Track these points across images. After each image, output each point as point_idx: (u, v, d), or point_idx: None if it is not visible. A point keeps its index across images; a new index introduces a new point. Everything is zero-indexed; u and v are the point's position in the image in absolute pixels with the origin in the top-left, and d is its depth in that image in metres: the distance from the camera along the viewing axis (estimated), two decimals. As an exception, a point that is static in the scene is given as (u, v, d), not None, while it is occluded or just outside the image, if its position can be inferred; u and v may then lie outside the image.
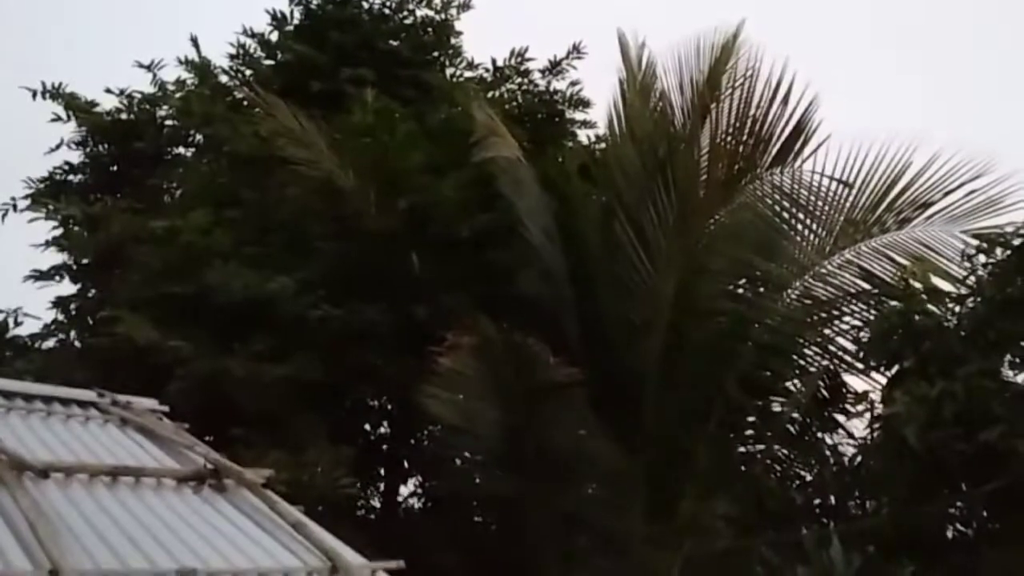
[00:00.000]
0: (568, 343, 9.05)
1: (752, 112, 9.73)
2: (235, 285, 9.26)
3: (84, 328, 10.96)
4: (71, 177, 11.58)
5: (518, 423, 8.62)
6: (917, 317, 8.41)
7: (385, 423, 11.23)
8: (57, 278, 11.27)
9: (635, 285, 9.43)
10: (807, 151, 9.59)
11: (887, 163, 9.47)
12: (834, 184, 9.49)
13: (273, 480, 6.08)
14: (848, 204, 9.57)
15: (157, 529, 5.25)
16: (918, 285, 8.99)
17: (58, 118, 11.36)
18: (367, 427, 11.13)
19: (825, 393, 9.50)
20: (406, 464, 11.11)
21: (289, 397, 9.17)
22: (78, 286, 11.33)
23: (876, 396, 8.87)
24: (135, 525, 5.26)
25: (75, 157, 11.61)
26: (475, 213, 10.14)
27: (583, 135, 11.89)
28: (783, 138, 9.63)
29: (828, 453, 9.30)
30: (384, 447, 11.17)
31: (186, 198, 10.84)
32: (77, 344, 11.03)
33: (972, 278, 8.60)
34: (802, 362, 9.62)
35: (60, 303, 11.30)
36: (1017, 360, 8.26)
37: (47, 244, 10.96)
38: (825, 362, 9.51)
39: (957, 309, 8.63)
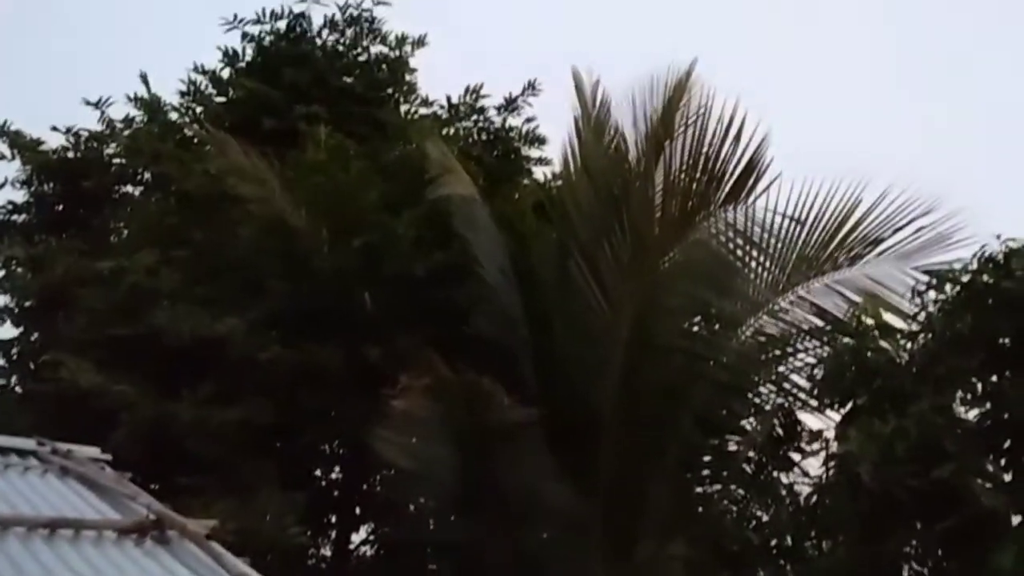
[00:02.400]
0: (524, 383, 8.97)
1: (705, 149, 9.79)
2: (183, 327, 9.08)
3: (26, 373, 10.70)
4: (15, 217, 11.35)
5: (473, 466, 8.51)
6: (869, 354, 8.45)
7: (337, 468, 11.04)
8: (-2, 322, 11.02)
9: (590, 324, 9.39)
10: (759, 188, 9.67)
11: (838, 200, 9.55)
12: (786, 221, 9.56)
13: (219, 530, 5.91)
14: (800, 241, 9.63)
15: (96, 585, 5.07)
16: (870, 322, 9.05)
17: (2, 156, 11.15)
18: (318, 472, 10.94)
19: (780, 431, 9.51)
20: (358, 510, 10.89)
21: (238, 442, 8.98)
22: (20, 329, 11.07)
23: (831, 434, 8.90)
24: (73, 581, 5.08)
25: (19, 196, 11.41)
26: (430, 252, 10.06)
27: (539, 172, 11.91)
28: (736, 175, 9.68)
29: (784, 492, 9.28)
30: (336, 492, 10.97)
31: (133, 238, 10.64)
32: (18, 390, 10.77)
33: (923, 314, 8.67)
34: (757, 400, 9.63)
35: (1, 347, 11.02)
36: (968, 396, 8.34)
37: (-12, 286, 10.75)
38: (780, 400, 9.53)
39: (908, 345, 8.70)
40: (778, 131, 9.82)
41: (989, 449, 8.05)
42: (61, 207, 11.40)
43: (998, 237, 8.09)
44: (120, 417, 8.87)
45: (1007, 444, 8.13)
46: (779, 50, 17.91)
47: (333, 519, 10.82)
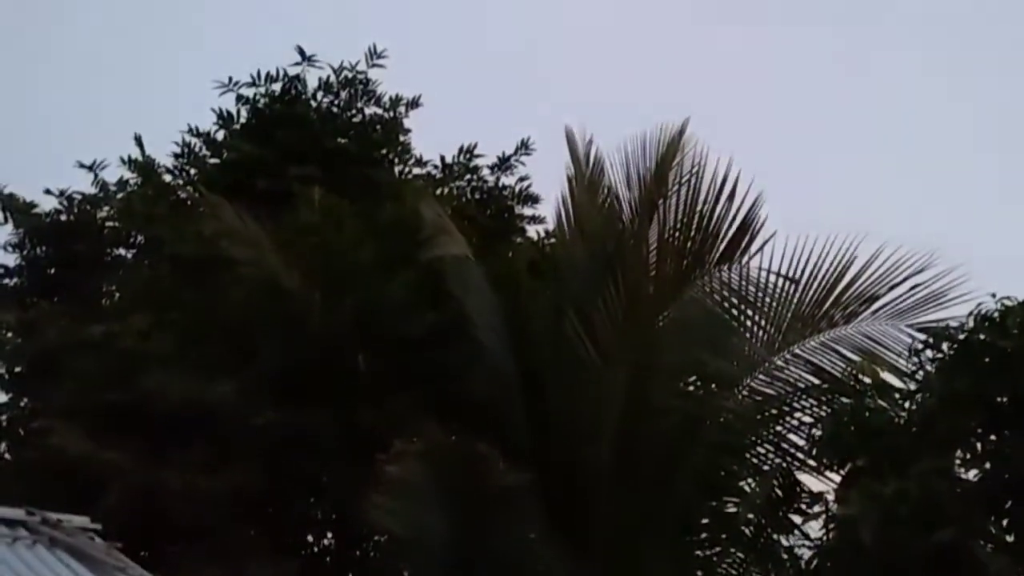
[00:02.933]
0: (519, 446, 8.86)
1: (699, 208, 9.85)
2: (174, 392, 9.01)
3: (16, 440, 10.59)
4: (7, 281, 11.31)
5: (468, 532, 8.38)
6: (867, 414, 8.37)
7: (329, 534, 10.87)
8: (-13, 388, 10.93)
9: (586, 384, 9.33)
10: (754, 248, 9.69)
11: (832, 257, 9.54)
12: (781, 280, 9.54)
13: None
14: (795, 299, 9.60)
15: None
16: (867, 380, 8.99)
17: (-3, 220, 11.18)
18: (309, 538, 10.77)
19: (779, 493, 9.38)
20: (351, 577, 10.74)
21: (229, 509, 8.86)
22: (10, 396, 10.98)
23: (831, 495, 8.78)
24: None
25: (11, 260, 11.39)
26: (423, 312, 10.02)
27: (532, 230, 11.92)
28: (730, 235, 9.73)
29: (785, 556, 9.14)
30: (327, 559, 10.79)
31: (125, 301, 10.60)
32: (8, 457, 10.65)
33: (920, 373, 8.61)
34: (755, 461, 9.52)
35: (-8, 414, 10.95)
36: (967, 456, 8.25)
37: (-23, 353, 10.68)
38: (778, 460, 9.43)
39: (907, 405, 8.62)
40: (772, 187, 9.93)
41: (990, 510, 7.95)
42: (53, 270, 11.36)
43: (993, 296, 8.06)
44: (110, 484, 8.76)
45: (1008, 505, 8.03)
46: (773, 108, 18.07)
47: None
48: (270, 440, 9.20)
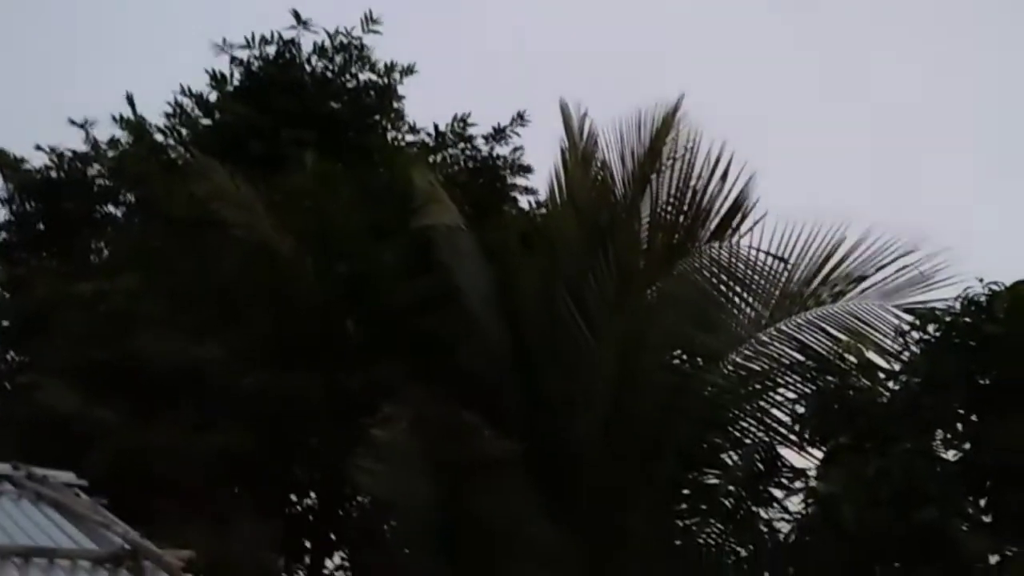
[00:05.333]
0: (506, 416, 8.91)
1: (692, 184, 9.85)
2: (163, 353, 9.00)
3: (3, 394, 10.57)
4: (-5, 235, 11.32)
5: (452, 499, 8.44)
6: (851, 392, 8.46)
7: (312, 494, 10.91)
8: (-26, 342, 10.92)
9: (575, 356, 9.35)
10: (744, 226, 9.72)
11: (822, 237, 9.57)
12: (770, 258, 9.58)
13: (194, 560, 5.86)
14: (783, 277, 9.65)
15: (68, 618, 4.99)
16: (853, 359, 9.06)
17: (-16, 174, 11.12)
18: (293, 498, 10.81)
19: (761, 466, 9.47)
20: (333, 536, 10.78)
21: (215, 469, 8.90)
22: (-2, 350, 11.00)
23: (813, 471, 8.87)
24: (46, 613, 5.00)
25: (0, 215, 11.36)
26: (415, 280, 10.02)
27: (524, 201, 11.92)
28: (721, 213, 9.75)
29: (764, 529, 9.24)
30: (310, 519, 10.84)
31: (115, 260, 10.56)
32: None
33: (906, 354, 8.69)
34: (738, 434, 9.60)
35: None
36: (948, 437, 8.36)
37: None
38: (761, 435, 9.50)
39: (891, 384, 8.71)
40: (764, 167, 9.94)
41: (970, 491, 8.07)
42: (43, 226, 11.31)
43: (980, 280, 8.14)
44: (97, 442, 8.77)
45: (987, 485, 8.15)
46: (766, 91, 18.01)
47: (307, 545, 10.69)
48: (257, 402, 9.21)
